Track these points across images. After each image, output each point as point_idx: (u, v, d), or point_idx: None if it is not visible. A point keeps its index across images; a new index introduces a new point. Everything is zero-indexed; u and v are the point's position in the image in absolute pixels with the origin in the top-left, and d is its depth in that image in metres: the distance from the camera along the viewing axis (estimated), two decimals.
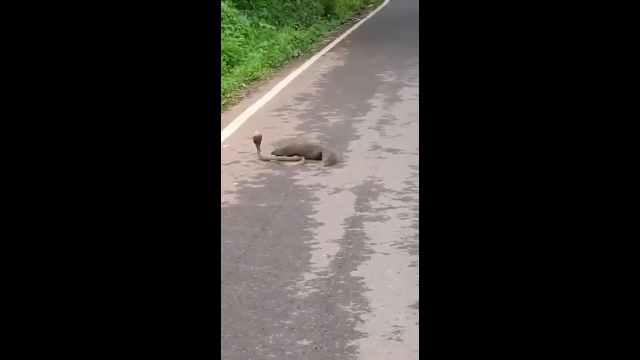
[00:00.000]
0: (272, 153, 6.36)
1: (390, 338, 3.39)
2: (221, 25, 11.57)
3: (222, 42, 10.85)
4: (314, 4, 16.56)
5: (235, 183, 5.79)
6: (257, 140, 6.38)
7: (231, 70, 10.28)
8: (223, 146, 6.87)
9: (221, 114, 8.35)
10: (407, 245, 4.42)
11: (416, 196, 5.02)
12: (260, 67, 10.67)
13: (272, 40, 12.29)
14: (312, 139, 7.06)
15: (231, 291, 3.88)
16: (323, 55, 12.57)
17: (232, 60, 10.65)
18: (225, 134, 7.34)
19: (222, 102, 8.74)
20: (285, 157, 6.28)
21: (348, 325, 3.51)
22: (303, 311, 3.64)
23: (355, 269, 4.13)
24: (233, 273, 4.10)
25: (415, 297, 3.60)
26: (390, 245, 4.44)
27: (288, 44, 12.61)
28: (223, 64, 10.29)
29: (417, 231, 4.27)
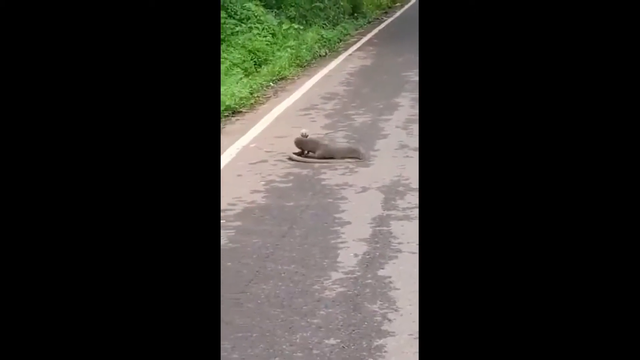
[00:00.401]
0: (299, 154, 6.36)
1: (418, 337, 3.37)
2: (249, 25, 11.62)
3: (249, 42, 10.89)
4: (341, 4, 16.54)
5: (263, 182, 5.80)
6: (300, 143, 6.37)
7: (259, 69, 10.31)
8: (250, 146, 6.90)
9: (249, 113, 8.38)
10: None
11: None
12: (287, 66, 10.68)
13: (300, 40, 12.30)
14: (339, 138, 7.06)
15: (259, 290, 3.89)
16: (350, 54, 12.56)
17: (260, 59, 10.68)
18: (253, 133, 7.37)
19: (250, 101, 8.77)
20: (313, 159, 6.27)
21: (375, 324, 3.50)
22: (330, 310, 3.65)
23: (382, 268, 4.12)
24: (261, 272, 4.12)
25: None
26: (418, 244, 4.41)
27: (315, 43, 12.62)
28: (251, 63, 10.33)
29: None
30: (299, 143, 6.38)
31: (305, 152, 6.35)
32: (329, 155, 6.27)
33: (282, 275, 4.08)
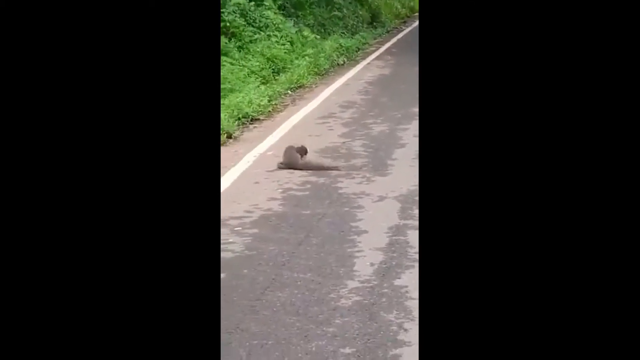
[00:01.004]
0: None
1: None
2: (267, 33, 11.65)
3: (268, 50, 10.92)
4: (360, 13, 16.56)
5: (280, 190, 5.81)
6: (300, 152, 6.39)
7: (277, 77, 10.33)
8: (267, 153, 6.90)
9: (267, 121, 8.40)
10: None
11: None
12: (306, 74, 10.70)
13: (318, 48, 12.32)
14: (356, 147, 7.05)
15: (275, 298, 3.89)
16: (368, 63, 12.57)
17: (278, 67, 10.70)
18: (270, 140, 7.38)
19: (268, 109, 8.79)
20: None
21: (391, 333, 3.49)
22: (346, 319, 3.64)
23: (399, 278, 4.11)
24: (277, 280, 4.11)
25: None
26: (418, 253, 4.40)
27: (334, 51, 12.64)
28: (269, 71, 10.35)
29: None
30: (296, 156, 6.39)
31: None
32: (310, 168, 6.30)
33: (298, 283, 4.07)
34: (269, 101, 8.95)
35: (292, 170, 6.29)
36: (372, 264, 4.29)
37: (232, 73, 9.41)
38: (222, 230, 4.93)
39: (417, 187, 5.67)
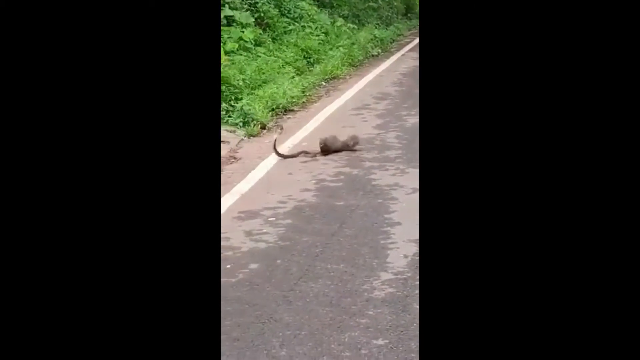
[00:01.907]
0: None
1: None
2: (302, 24, 11.65)
3: (302, 41, 10.92)
4: (395, 4, 16.50)
5: (314, 181, 5.82)
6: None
7: (311, 68, 10.34)
8: (301, 144, 6.91)
9: (301, 112, 8.41)
10: None
11: None
12: (340, 65, 10.70)
13: (352, 39, 12.30)
14: (390, 138, 7.04)
15: (308, 289, 3.90)
16: (403, 54, 12.53)
17: (312, 58, 10.71)
18: (304, 132, 7.39)
19: (302, 100, 8.80)
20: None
21: None
22: (379, 310, 3.64)
23: None
24: (310, 270, 4.13)
25: None
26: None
27: (368, 42, 12.61)
28: (303, 62, 10.36)
29: None
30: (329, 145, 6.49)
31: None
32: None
33: (331, 274, 4.08)
34: (303, 92, 8.97)
35: (326, 162, 6.30)
36: (405, 256, 4.29)
37: (266, 64, 9.43)
38: (256, 220, 4.96)
39: None
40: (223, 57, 9.01)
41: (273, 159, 6.47)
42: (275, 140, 6.56)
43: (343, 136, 6.67)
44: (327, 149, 6.45)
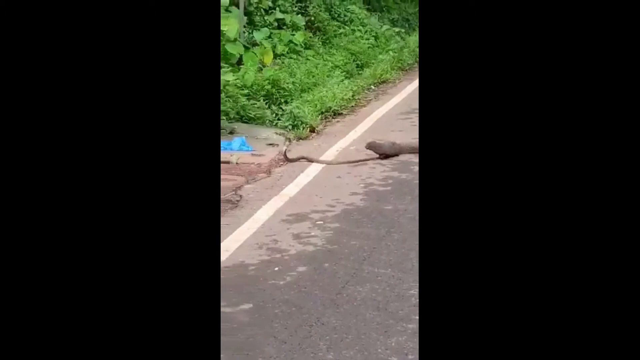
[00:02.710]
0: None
1: None
2: (352, 28, 11.65)
3: (352, 45, 10.92)
4: None
5: (362, 185, 5.82)
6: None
7: (360, 72, 10.33)
8: (350, 148, 6.92)
9: (350, 116, 8.41)
10: None
11: None
12: (389, 69, 10.67)
13: (402, 43, 12.26)
14: None
15: (355, 292, 3.90)
16: None
17: (362, 62, 10.70)
18: (353, 135, 7.39)
19: (351, 103, 8.80)
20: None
21: None
22: None
23: None
24: (357, 274, 4.13)
25: None
26: None
27: (418, 46, 12.55)
28: (353, 65, 10.35)
29: None
30: (377, 147, 6.51)
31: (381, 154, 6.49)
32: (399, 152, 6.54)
33: (379, 278, 4.07)
34: (352, 96, 8.96)
35: (374, 166, 6.29)
36: None
37: (316, 67, 9.45)
38: (304, 223, 4.97)
39: None
40: (270, 60, 9.06)
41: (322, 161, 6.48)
42: (285, 150, 6.61)
43: (396, 140, 6.66)
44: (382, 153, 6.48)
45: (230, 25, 8.50)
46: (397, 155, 6.49)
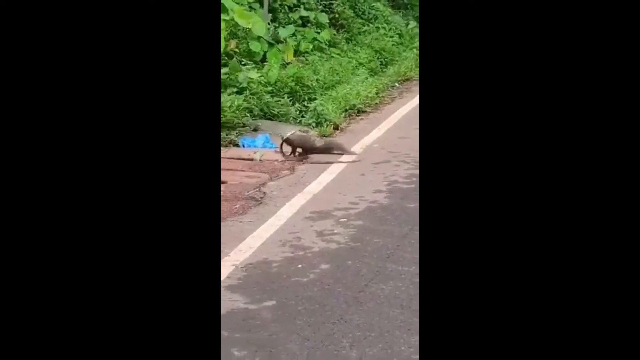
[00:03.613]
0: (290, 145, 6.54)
1: None
2: (376, 25, 11.63)
3: (376, 42, 10.90)
4: None
5: (385, 182, 5.80)
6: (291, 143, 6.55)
7: (384, 69, 10.30)
8: (374, 145, 6.90)
9: (374, 113, 8.39)
10: None
11: None
12: (413, 67, 10.62)
13: None
14: None
15: (378, 290, 3.89)
16: None
17: (386, 60, 10.67)
18: (376, 133, 7.38)
19: (375, 101, 8.78)
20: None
21: None
22: None
23: None
24: (381, 272, 4.11)
25: None
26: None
27: None
28: (377, 63, 10.33)
29: None
30: (289, 142, 6.53)
31: (295, 150, 6.52)
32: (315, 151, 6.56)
33: (402, 276, 4.06)
34: (376, 93, 8.94)
35: (398, 164, 6.27)
36: None
37: (340, 65, 9.44)
38: (327, 221, 4.96)
39: None
40: (291, 56, 9.05)
41: (346, 159, 6.47)
42: (282, 144, 6.59)
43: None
44: (292, 146, 6.53)
45: (256, 22, 8.50)
46: (312, 150, 6.54)
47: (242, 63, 8.23)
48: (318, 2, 10.83)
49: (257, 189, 5.65)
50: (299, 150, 6.52)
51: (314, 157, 6.48)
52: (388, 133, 7.33)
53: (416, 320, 3.54)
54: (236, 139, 6.97)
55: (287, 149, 6.53)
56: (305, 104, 7.98)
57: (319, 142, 6.76)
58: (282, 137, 6.55)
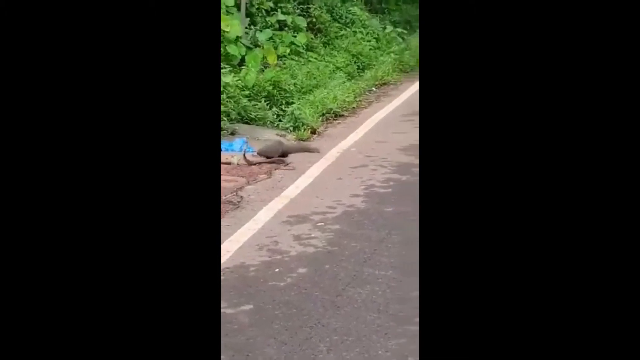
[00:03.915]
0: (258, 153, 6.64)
1: None
2: (353, 29, 11.65)
3: (353, 46, 10.93)
4: None
5: (363, 187, 5.81)
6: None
7: (361, 74, 10.34)
8: (351, 150, 6.92)
9: (351, 117, 8.41)
10: None
11: None
12: (390, 71, 10.67)
13: (404, 45, 12.27)
14: None
15: (356, 294, 3.90)
16: None
17: (363, 64, 10.71)
18: (354, 137, 7.39)
19: (352, 105, 8.80)
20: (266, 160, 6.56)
21: None
22: None
23: None
24: (358, 276, 4.12)
25: None
26: None
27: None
28: (354, 67, 10.36)
29: None
30: (265, 152, 6.63)
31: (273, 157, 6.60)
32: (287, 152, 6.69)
33: (379, 280, 4.07)
34: (354, 97, 8.97)
35: (375, 168, 6.29)
36: None
37: (317, 69, 9.46)
38: (304, 225, 4.97)
39: None
40: (274, 59, 9.06)
41: (322, 164, 6.48)
42: (244, 152, 6.64)
43: (393, 143, 6.66)
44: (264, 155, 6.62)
45: (232, 25, 8.50)
46: (285, 154, 6.65)
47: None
48: (295, 6, 10.84)
49: (235, 193, 5.65)
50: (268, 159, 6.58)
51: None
52: (365, 137, 7.35)
53: (393, 324, 3.56)
54: None
55: (254, 159, 6.55)
56: (283, 108, 7.99)
57: (287, 147, 6.82)
58: (245, 152, 6.64)
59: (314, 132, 7.61)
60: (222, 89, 7.69)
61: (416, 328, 3.49)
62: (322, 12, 11.32)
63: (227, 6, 9.02)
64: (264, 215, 5.19)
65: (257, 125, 7.63)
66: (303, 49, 10.08)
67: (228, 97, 7.60)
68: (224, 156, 6.56)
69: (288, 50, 9.72)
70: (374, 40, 11.87)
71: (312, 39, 10.56)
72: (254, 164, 6.43)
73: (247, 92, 7.94)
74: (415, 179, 5.92)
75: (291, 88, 8.42)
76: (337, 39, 11.15)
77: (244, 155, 6.54)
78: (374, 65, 10.77)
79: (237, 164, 6.42)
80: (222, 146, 6.87)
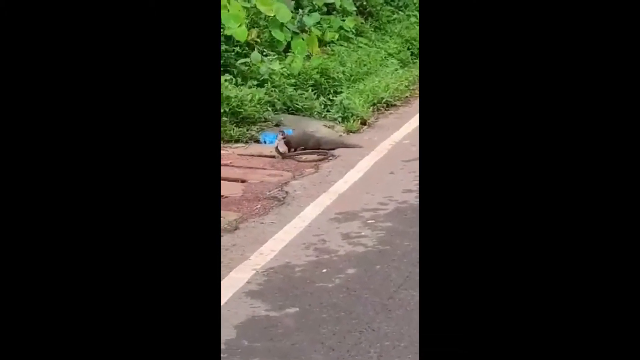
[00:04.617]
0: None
1: None
2: (407, 13, 11.58)
3: (406, 31, 10.86)
4: None
5: (416, 182, 5.78)
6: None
7: (415, 60, 10.27)
8: (403, 142, 6.89)
9: (404, 107, 8.38)
10: None
11: None
12: None
13: None
14: None
15: (409, 296, 3.88)
16: None
17: (417, 50, 10.65)
18: (407, 128, 7.36)
19: (405, 94, 8.75)
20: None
21: None
22: None
23: None
24: (411, 277, 4.11)
25: None
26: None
27: None
28: (407, 53, 10.31)
29: None
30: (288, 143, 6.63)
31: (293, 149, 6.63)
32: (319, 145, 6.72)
33: None
34: (406, 86, 8.92)
35: None
36: None
37: (368, 55, 9.42)
38: (354, 222, 4.97)
39: None
40: (317, 49, 9.03)
41: (373, 157, 6.47)
42: (276, 145, 6.65)
43: None
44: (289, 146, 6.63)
45: (280, 9, 8.50)
46: (317, 148, 6.66)
47: (264, 54, 8.25)
48: None
49: (280, 188, 5.67)
50: (297, 149, 6.61)
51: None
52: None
53: None
54: (257, 134, 6.99)
55: (284, 148, 6.57)
56: (331, 98, 7.98)
57: (318, 140, 6.86)
58: (280, 136, 6.66)
59: (364, 123, 7.60)
60: (267, 77, 7.73)
61: None
62: None
63: None
64: (311, 212, 5.21)
65: (303, 115, 7.65)
66: (352, 34, 10.05)
67: (273, 86, 7.64)
68: (269, 149, 6.59)
69: (337, 36, 9.70)
70: None
71: (362, 23, 10.53)
72: (287, 157, 6.46)
73: (292, 81, 7.96)
74: None
75: (340, 76, 8.41)
76: (389, 23, 11.09)
77: (277, 147, 6.57)
78: None
79: (274, 157, 6.46)
80: (267, 138, 6.91)
